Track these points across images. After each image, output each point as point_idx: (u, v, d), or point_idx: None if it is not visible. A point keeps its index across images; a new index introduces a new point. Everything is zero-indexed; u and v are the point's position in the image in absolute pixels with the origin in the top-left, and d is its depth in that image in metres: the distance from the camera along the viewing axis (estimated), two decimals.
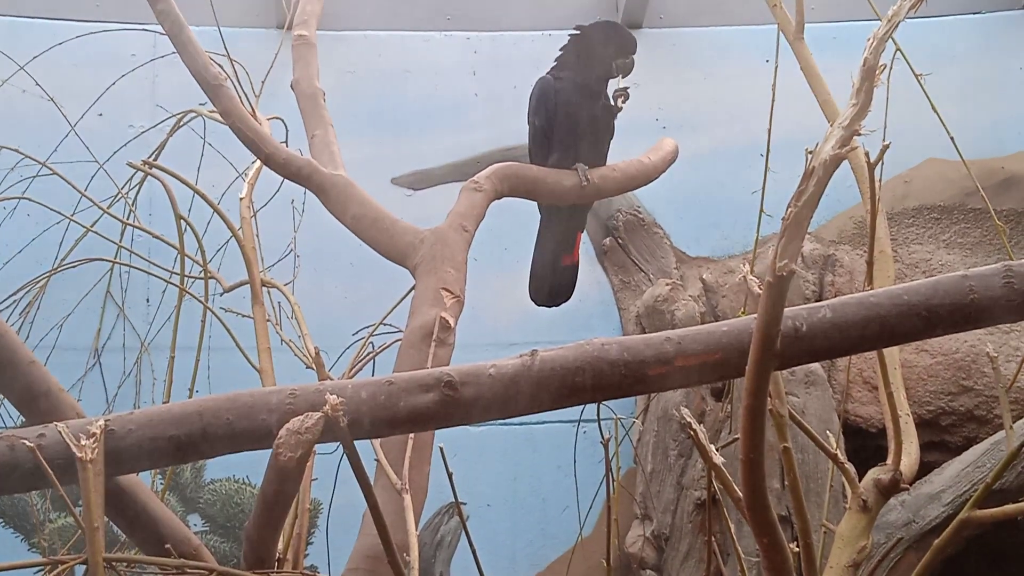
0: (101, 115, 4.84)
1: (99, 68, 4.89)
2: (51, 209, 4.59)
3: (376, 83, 5.22)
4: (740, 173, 4.87)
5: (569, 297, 3.60)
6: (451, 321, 2.60)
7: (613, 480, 2.67)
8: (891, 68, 1.57)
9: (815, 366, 4.37)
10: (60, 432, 1.80)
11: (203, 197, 3.82)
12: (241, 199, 3.73)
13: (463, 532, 4.74)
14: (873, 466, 2.74)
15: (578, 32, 3.36)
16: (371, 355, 3.29)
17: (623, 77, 3.34)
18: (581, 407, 2.11)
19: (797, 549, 2.08)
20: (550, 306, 3.59)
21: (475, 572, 2.30)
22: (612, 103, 3.37)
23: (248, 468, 4.66)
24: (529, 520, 4.81)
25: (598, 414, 2.91)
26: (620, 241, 5.09)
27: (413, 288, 2.79)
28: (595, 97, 3.35)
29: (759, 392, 1.68)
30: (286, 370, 3.33)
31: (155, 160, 4.25)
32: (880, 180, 2.51)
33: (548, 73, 3.39)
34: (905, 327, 1.82)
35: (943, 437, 4.61)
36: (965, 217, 4.99)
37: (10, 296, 4.61)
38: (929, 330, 1.84)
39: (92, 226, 4.57)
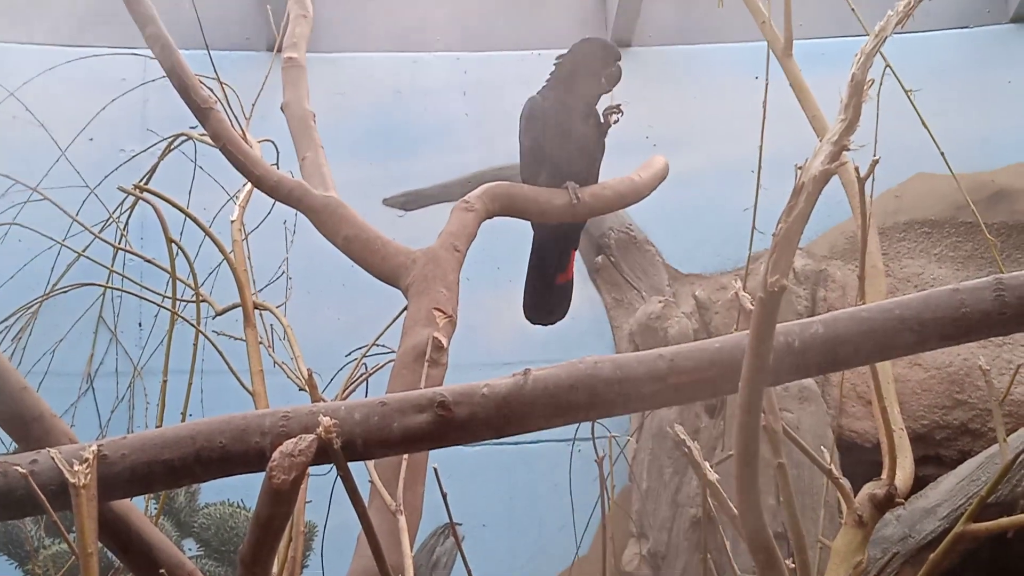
0: (92, 140, 4.85)
1: (89, 93, 4.90)
2: (42, 235, 4.59)
3: (366, 104, 5.24)
4: (731, 190, 4.87)
5: (564, 314, 3.59)
6: (444, 341, 2.59)
7: (608, 498, 2.66)
8: (880, 83, 1.57)
9: (808, 381, 4.37)
10: (53, 458, 1.79)
11: (194, 220, 3.82)
12: (232, 222, 3.72)
13: (459, 553, 4.72)
14: (868, 481, 2.74)
15: (561, 58, 3.36)
16: (364, 376, 3.29)
17: (611, 87, 3.32)
18: (575, 425, 2.10)
19: (793, 565, 2.07)
20: (546, 324, 3.59)
21: None
22: (603, 120, 3.37)
23: (242, 491, 4.65)
24: (525, 539, 4.80)
25: (592, 432, 2.91)
26: (612, 259, 5.10)
27: (405, 309, 2.79)
28: (585, 115, 3.35)
29: (753, 408, 1.68)
30: (279, 392, 3.32)
31: (146, 184, 4.24)
32: (871, 195, 2.52)
33: (538, 93, 3.40)
34: (897, 341, 1.81)
35: (937, 451, 4.61)
36: (956, 231, 5.00)
37: (2, 322, 4.61)
38: (921, 344, 1.84)
39: (84, 251, 4.57)
